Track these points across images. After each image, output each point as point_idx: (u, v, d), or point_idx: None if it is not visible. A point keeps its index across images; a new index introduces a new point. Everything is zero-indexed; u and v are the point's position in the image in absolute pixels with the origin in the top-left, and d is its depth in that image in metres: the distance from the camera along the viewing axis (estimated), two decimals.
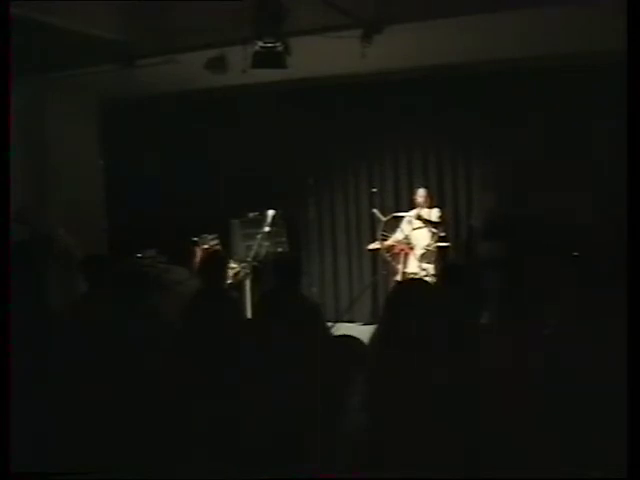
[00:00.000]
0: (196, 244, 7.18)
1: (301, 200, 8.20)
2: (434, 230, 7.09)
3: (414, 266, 7.04)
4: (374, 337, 2.77)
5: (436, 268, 6.88)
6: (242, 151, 8.04)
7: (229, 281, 6.31)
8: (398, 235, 7.22)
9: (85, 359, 3.38)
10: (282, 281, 4.02)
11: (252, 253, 6.99)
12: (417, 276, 6.73)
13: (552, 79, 6.83)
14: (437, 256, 7.05)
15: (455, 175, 7.73)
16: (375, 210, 7.35)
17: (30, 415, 2.96)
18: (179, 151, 8.29)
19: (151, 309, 4.17)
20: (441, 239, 7.10)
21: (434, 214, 7.15)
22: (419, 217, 7.12)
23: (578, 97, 6.75)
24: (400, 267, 7.08)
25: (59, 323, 3.93)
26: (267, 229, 7.14)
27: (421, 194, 7.22)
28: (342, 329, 6.72)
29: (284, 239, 7.52)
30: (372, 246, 7.48)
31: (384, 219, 7.25)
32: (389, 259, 7.30)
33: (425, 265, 7.01)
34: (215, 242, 7.23)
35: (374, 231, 7.56)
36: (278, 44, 5.11)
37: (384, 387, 2.55)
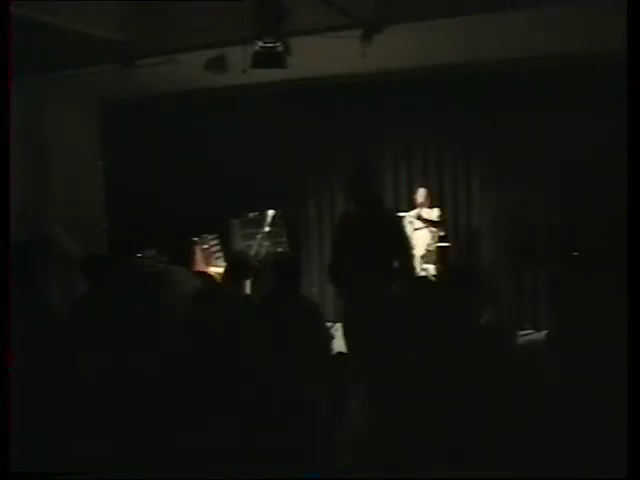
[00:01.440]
0: (196, 244, 7.18)
1: (301, 200, 8.20)
2: (434, 230, 7.09)
3: None
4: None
5: (437, 268, 6.88)
6: (242, 151, 8.03)
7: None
8: None
9: (85, 359, 3.38)
10: (282, 281, 4.02)
11: (252, 253, 6.98)
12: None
13: (552, 79, 6.83)
14: (438, 256, 7.05)
15: (455, 175, 7.73)
16: None
17: (30, 415, 2.96)
18: (179, 151, 8.29)
19: (151, 309, 4.17)
20: (441, 239, 7.10)
21: (434, 214, 7.15)
22: (420, 217, 7.12)
23: (578, 97, 6.75)
24: None
25: (59, 323, 3.92)
26: (267, 229, 7.13)
27: (421, 194, 7.22)
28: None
29: (284, 239, 7.51)
30: None
31: None
32: None
33: (426, 265, 7.01)
34: (215, 242, 7.23)
35: None
36: (278, 44, 5.11)
37: (381, 386, 2.56)
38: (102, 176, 8.36)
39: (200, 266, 6.93)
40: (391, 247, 4.43)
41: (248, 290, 6.90)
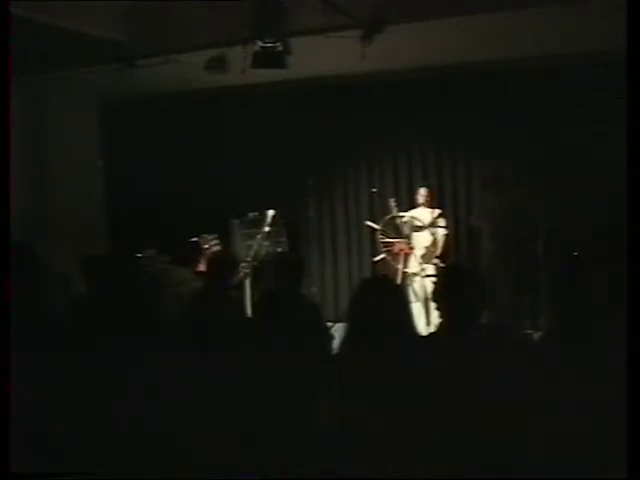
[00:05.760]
0: (196, 244, 7.17)
1: (301, 200, 8.20)
2: (434, 230, 7.08)
3: (414, 266, 7.03)
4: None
5: (437, 268, 6.88)
6: (242, 151, 8.04)
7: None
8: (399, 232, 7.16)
9: (85, 360, 3.38)
10: (282, 281, 4.02)
11: (252, 253, 6.99)
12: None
13: (552, 79, 6.83)
14: (437, 256, 7.05)
15: (455, 175, 7.73)
16: (368, 222, 7.47)
17: (30, 415, 2.96)
18: (179, 151, 8.29)
19: (151, 309, 4.17)
20: (441, 239, 7.10)
21: (435, 215, 7.15)
22: (419, 217, 7.12)
23: (578, 97, 6.75)
24: (400, 267, 7.07)
25: (59, 323, 3.93)
26: (267, 229, 7.13)
27: (422, 193, 7.22)
28: (342, 329, 6.72)
29: (284, 239, 7.51)
30: (378, 258, 7.41)
31: (378, 228, 7.26)
32: (392, 262, 7.24)
33: (425, 265, 7.01)
34: (215, 242, 7.23)
35: (374, 232, 7.55)
36: (278, 44, 5.12)
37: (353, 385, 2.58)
38: (102, 176, 8.37)
39: (200, 266, 6.93)
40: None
41: (248, 290, 6.95)
